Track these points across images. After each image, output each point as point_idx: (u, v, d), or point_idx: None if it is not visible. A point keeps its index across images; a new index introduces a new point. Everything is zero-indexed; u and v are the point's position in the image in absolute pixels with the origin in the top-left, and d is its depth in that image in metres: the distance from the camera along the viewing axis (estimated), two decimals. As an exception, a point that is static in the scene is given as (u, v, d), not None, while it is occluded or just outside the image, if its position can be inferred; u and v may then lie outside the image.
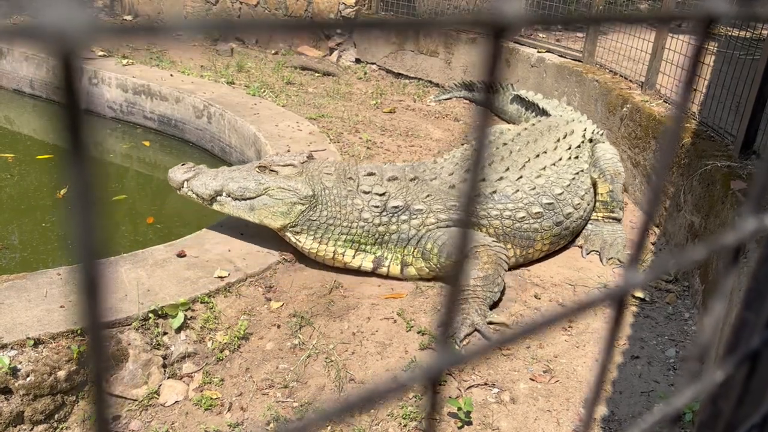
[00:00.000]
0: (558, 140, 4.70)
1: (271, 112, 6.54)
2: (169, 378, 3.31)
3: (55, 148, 7.09)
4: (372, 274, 4.06)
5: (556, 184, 4.35)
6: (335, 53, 9.08)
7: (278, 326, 3.55)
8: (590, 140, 4.96)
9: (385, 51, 8.70)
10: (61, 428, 3.00)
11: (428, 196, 4.05)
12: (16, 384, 2.87)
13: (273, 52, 9.38)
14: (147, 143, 7.18)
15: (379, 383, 0.32)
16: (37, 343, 3.00)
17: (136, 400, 3.16)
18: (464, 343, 3.50)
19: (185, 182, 4.09)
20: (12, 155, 6.58)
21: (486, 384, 3.31)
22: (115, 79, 7.47)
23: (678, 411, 0.47)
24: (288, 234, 3.99)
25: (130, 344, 3.26)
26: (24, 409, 2.88)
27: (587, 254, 4.56)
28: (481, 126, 0.33)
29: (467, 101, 7.70)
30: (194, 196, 4.09)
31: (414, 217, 3.99)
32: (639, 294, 4.05)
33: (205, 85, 7.31)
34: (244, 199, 3.99)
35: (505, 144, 4.66)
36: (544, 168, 4.39)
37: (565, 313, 0.39)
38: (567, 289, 4.11)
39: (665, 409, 0.46)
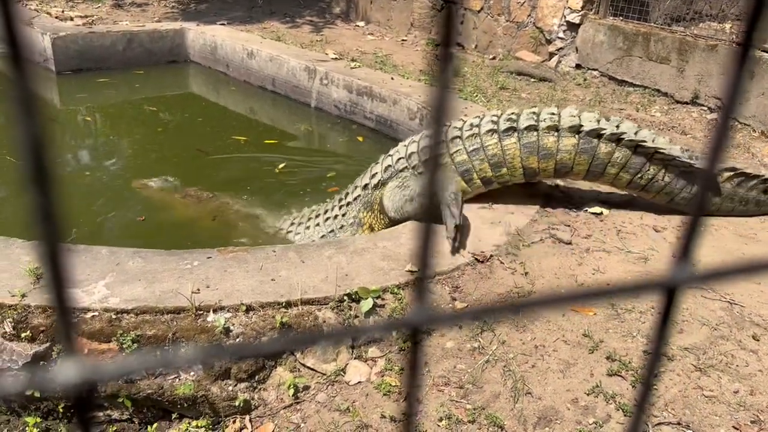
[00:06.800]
0: (356, 185, 4.90)
1: (480, 116, 6.59)
2: (355, 359, 3.52)
3: (282, 134, 7.98)
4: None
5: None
6: (554, 58, 8.83)
7: (460, 327, 3.58)
8: (380, 184, 4.73)
9: (609, 57, 8.24)
10: (260, 389, 3.36)
11: None
12: (227, 343, 3.29)
13: (491, 57, 9.42)
14: (361, 138, 7.71)
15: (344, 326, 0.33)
16: (249, 309, 3.39)
17: (324, 374, 3.42)
18: None
19: None
20: (245, 138, 7.53)
21: (679, 424, 2.99)
22: (342, 80, 8.11)
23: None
24: None
25: (325, 322, 3.53)
26: (231, 366, 3.28)
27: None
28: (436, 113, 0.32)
29: (701, 114, 6.98)
30: None
31: None
32: None
33: (421, 89, 7.59)
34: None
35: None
36: (309, 227, 4.91)
37: (598, 293, 0.35)
38: (796, 333, 3.54)
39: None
